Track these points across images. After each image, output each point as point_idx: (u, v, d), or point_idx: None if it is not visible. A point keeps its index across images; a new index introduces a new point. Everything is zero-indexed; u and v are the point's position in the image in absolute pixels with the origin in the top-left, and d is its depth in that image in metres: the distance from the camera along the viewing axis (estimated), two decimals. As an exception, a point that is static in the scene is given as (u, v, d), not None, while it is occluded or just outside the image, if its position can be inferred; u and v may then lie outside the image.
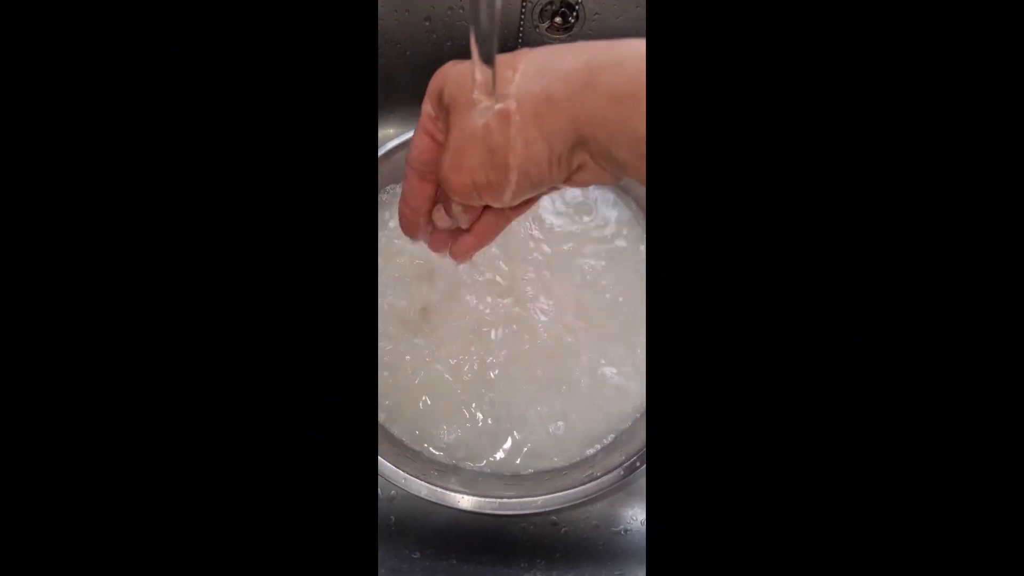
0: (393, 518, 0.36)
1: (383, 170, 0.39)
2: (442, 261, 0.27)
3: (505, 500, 0.30)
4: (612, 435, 0.34)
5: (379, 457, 0.31)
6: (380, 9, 0.40)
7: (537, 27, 0.40)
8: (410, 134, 0.40)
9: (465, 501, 0.30)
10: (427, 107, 0.22)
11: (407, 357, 0.34)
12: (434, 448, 0.33)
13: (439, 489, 0.30)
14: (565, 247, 0.38)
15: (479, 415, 0.33)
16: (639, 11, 0.39)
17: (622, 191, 0.40)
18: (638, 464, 0.31)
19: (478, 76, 0.19)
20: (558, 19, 0.40)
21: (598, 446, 0.34)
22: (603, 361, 0.35)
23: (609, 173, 0.21)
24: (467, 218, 0.24)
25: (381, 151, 0.39)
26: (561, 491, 0.30)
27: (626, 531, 0.37)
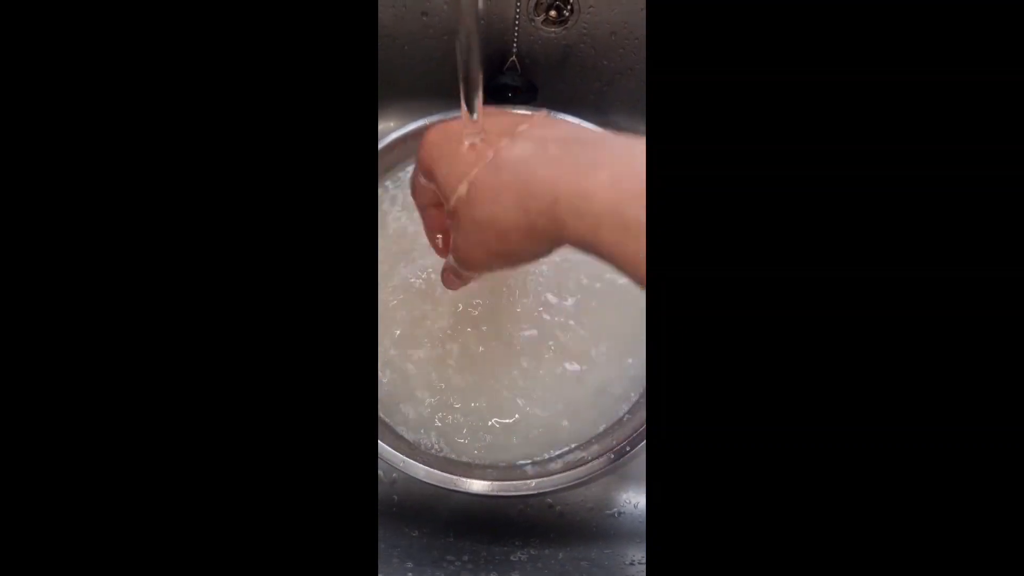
0: (396, 498, 0.38)
1: (380, 163, 0.40)
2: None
3: (500, 483, 0.31)
4: (604, 424, 0.35)
5: (380, 442, 0.32)
6: (378, 4, 0.41)
7: (532, 20, 0.41)
8: (408, 128, 0.41)
9: (462, 483, 0.32)
10: (420, 179, 0.25)
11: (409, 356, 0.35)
12: (431, 438, 0.34)
13: (437, 471, 0.31)
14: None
15: (474, 405, 0.34)
16: (633, 4, 0.39)
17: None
18: (628, 448, 0.32)
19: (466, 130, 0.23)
20: (553, 12, 0.40)
21: (602, 427, 0.35)
22: (596, 351, 0.36)
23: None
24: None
25: (382, 143, 0.40)
26: (554, 474, 0.32)
27: (619, 514, 0.38)
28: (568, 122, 0.26)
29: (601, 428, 0.35)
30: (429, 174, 0.24)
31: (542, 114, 0.25)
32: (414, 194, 0.27)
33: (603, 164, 0.20)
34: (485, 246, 0.23)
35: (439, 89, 0.45)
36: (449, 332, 0.35)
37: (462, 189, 0.22)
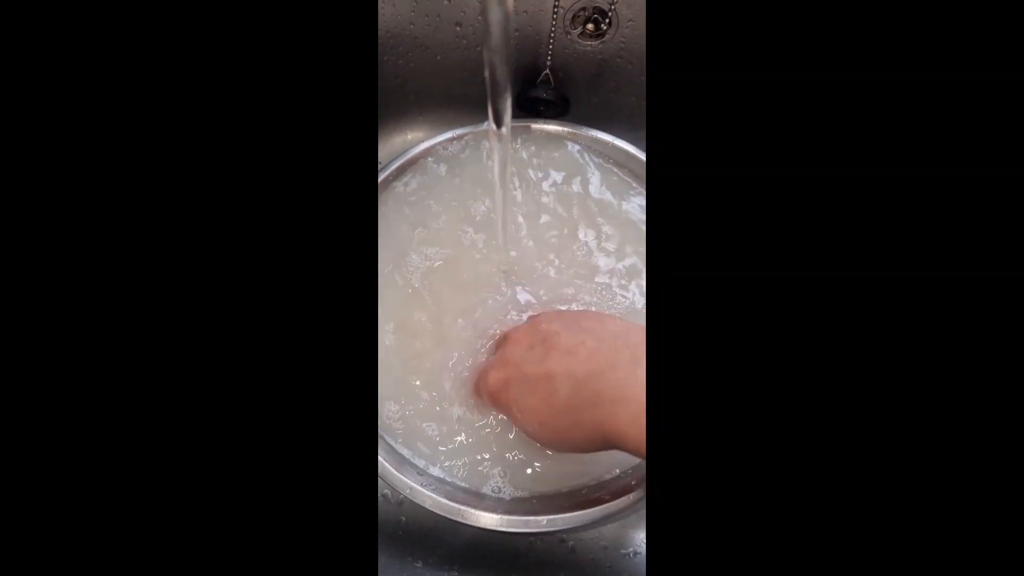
0: (403, 519, 0.36)
1: (409, 169, 0.39)
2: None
3: (510, 517, 0.30)
4: (623, 465, 0.33)
5: (389, 467, 0.31)
6: (411, 15, 0.40)
7: (568, 33, 0.39)
8: (439, 138, 0.40)
9: (472, 515, 0.30)
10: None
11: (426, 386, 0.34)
12: (446, 470, 0.33)
13: (445, 501, 0.30)
14: (608, 280, 0.36)
15: (488, 438, 0.33)
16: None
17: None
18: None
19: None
20: (590, 26, 0.39)
21: (616, 471, 0.33)
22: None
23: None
24: None
25: (411, 153, 0.39)
26: (568, 512, 0.30)
27: (635, 554, 0.36)
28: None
29: (618, 471, 0.33)
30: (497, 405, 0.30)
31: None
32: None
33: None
34: (537, 413, 0.27)
35: (470, 99, 0.44)
36: (472, 353, 0.34)
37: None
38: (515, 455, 0.32)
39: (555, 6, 0.37)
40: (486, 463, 0.32)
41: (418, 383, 0.33)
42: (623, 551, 0.36)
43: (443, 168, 0.39)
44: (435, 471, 0.32)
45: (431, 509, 0.30)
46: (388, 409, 0.33)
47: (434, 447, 0.32)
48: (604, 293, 0.35)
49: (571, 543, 0.36)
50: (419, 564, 0.33)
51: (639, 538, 0.37)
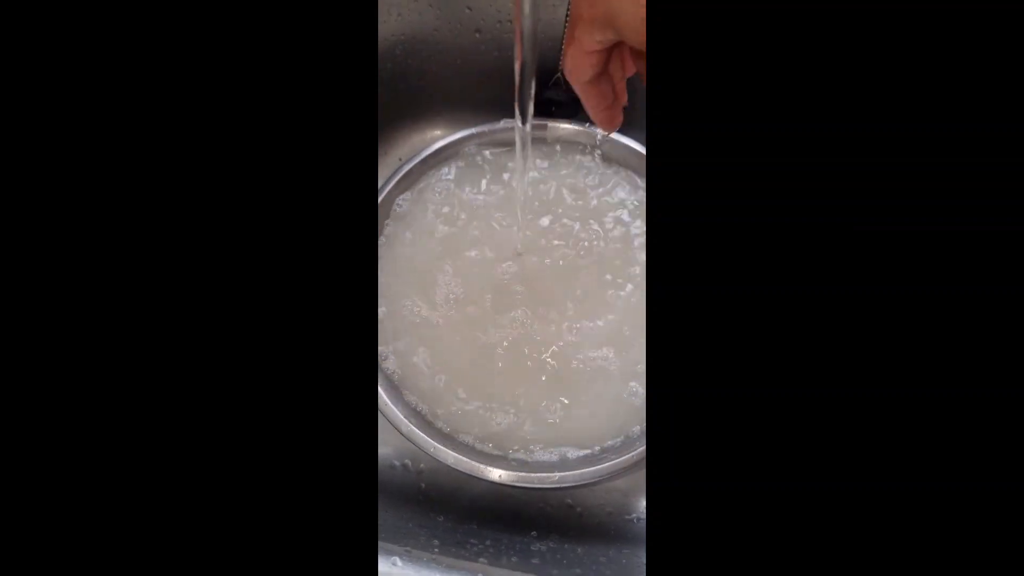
0: (423, 485, 0.39)
1: (432, 165, 0.43)
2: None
3: (523, 474, 0.33)
4: (636, 426, 0.36)
5: (412, 427, 0.34)
6: (435, 21, 0.44)
7: (579, 40, 0.43)
8: (457, 135, 0.43)
9: (487, 472, 0.33)
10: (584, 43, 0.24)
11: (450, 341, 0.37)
12: (461, 428, 0.36)
13: (464, 459, 0.33)
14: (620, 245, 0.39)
15: (501, 398, 0.36)
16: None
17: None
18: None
19: None
20: (599, 33, 0.42)
21: (628, 433, 0.35)
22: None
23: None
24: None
25: (429, 150, 0.43)
26: (578, 469, 0.33)
27: (638, 520, 0.39)
28: None
29: (636, 428, 0.35)
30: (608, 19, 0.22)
31: None
32: (572, 73, 0.26)
33: None
34: None
35: (487, 100, 0.47)
36: (489, 325, 0.37)
37: None
38: (526, 417, 0.35)
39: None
40: (504, 425, 0.35)
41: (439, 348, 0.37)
42: (627, 517, 0.39)
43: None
44: (457, 434, 0.35)
45: (452, 466, 0.33)
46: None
47: (458, 412, 0.35)
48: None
49: (579, 509, 0.39)
50: (441, 518, 0.36)
51: (642, 505, 0.39)
